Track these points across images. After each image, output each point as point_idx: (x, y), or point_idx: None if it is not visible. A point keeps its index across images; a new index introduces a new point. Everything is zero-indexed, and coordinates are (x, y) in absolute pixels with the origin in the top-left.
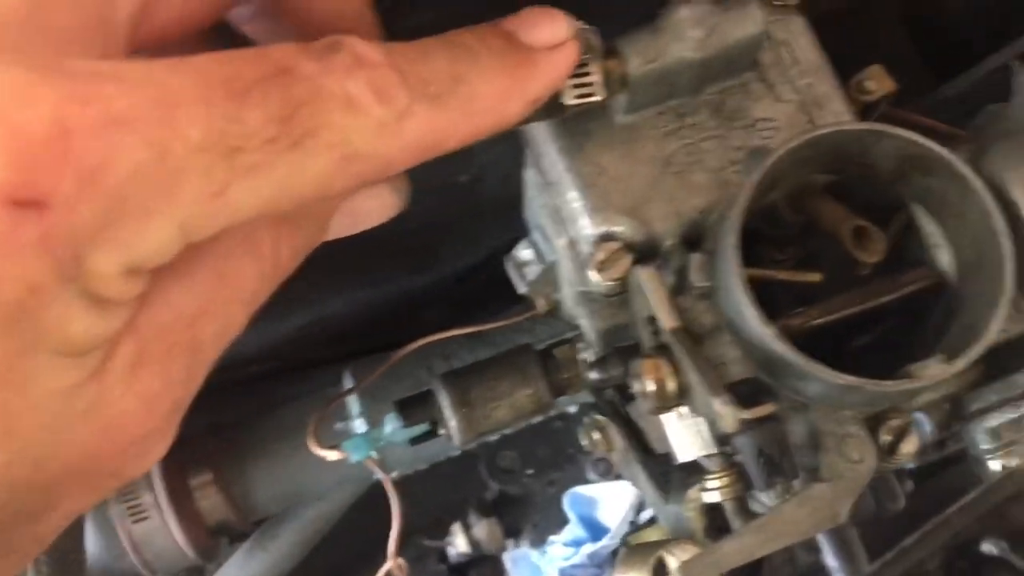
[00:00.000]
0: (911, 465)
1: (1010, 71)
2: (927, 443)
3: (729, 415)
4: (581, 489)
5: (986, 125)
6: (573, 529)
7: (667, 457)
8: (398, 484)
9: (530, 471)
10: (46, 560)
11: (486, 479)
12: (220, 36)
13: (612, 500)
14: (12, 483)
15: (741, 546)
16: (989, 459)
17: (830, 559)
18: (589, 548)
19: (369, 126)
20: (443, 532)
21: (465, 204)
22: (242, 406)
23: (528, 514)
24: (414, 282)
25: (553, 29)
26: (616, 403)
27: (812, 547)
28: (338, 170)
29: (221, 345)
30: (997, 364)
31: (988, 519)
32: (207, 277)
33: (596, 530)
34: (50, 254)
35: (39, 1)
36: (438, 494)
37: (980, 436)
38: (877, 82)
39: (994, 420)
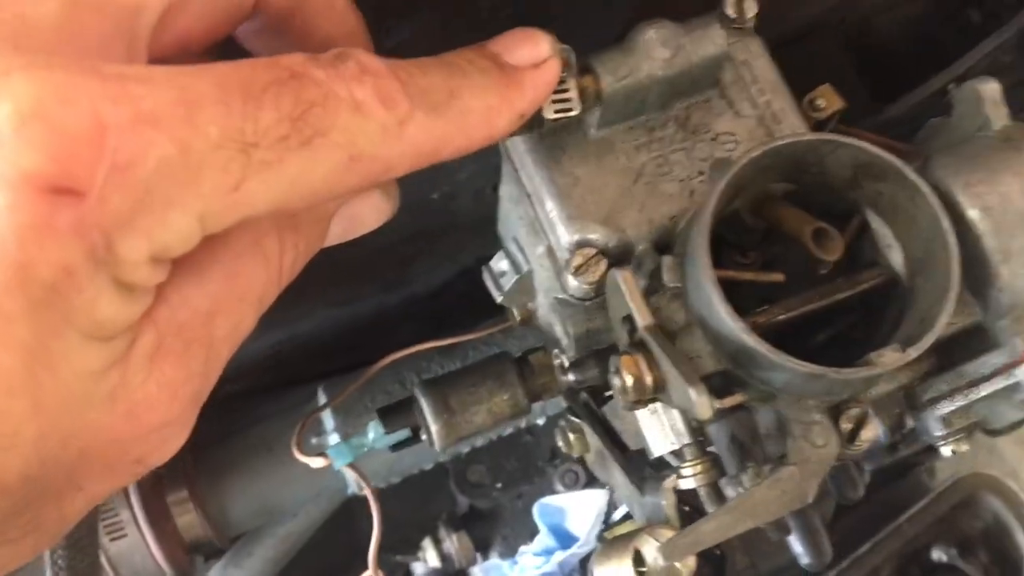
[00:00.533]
0: (868, 467)
1: (948, 92)
2: (881, 443)
3: (705, 403)
4: (550, 499)
5: (930, 137)
6: (543, 539)
7: (641, 453)
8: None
9: (499, 485)
10: (62, 554)
11: (456, 494)
12: (227, 51)
13: (580, 509)
14: (41, 457)
15: (718, 525)
16: (942, 445)
17: (797, 545)
18: (559, 556)
19: (374, 129)
20: (413, 548)
21: (438, 221)
22: (218, 425)
23: (498, 527)
24: (387, 299)
25: (535, 49)
26: (590, 405)
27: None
28: (345, 169)
29: (234, 343)
30: (947, 356)
31: (938, 527)
32: (219, 278)
33: (565, 539)
34: (83, 239)
35: (71, 11)
36: (409, 511)
37: (933, 424)
38: (827, 100)
39: (945, 408)
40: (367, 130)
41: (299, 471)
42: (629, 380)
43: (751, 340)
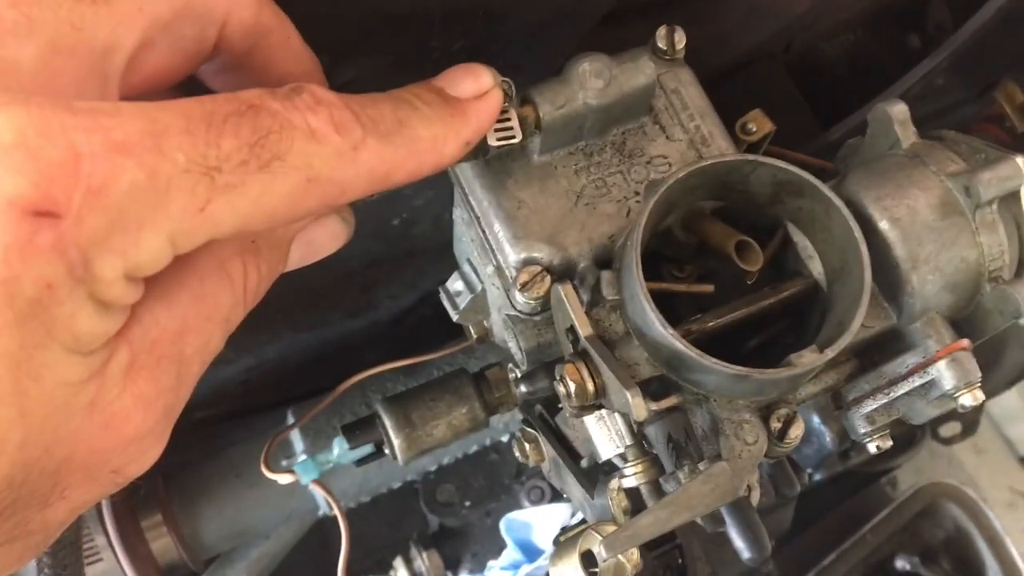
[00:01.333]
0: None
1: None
2: (828, 450)
3: (640, 405)
4: (516, 514)
5: (847, 156)
6: (510, 553)
7: (591, 459)
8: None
9: (468, 503)
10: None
11: (426, 514)
12: (192, 89)
13: (546, 523)
14: (26, 462)
15: (655, 519)
16: (867, 442)
17: (737, 540)
18: (527, 569)
19: (329, 153)
20: (385, 568)
21: (399, 246)
22: (190, 451)
23: (467, 544)
24: (353, 325)
25: (477, 81)
26: (544, 416)
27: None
28: (303, 191)
29: (204, 360)
30: (868, 358)
31: (901, 536)
32: (187, 300)
33: (532, 552)
34: (63, 257)
35: (49, 55)
36: (381, 531)
37: (858, 422)
38: (757, 123)
39: (868, 407)
40: (322, 154)
41: (269, 493)
42: (572, 387)
43: (680, 345)
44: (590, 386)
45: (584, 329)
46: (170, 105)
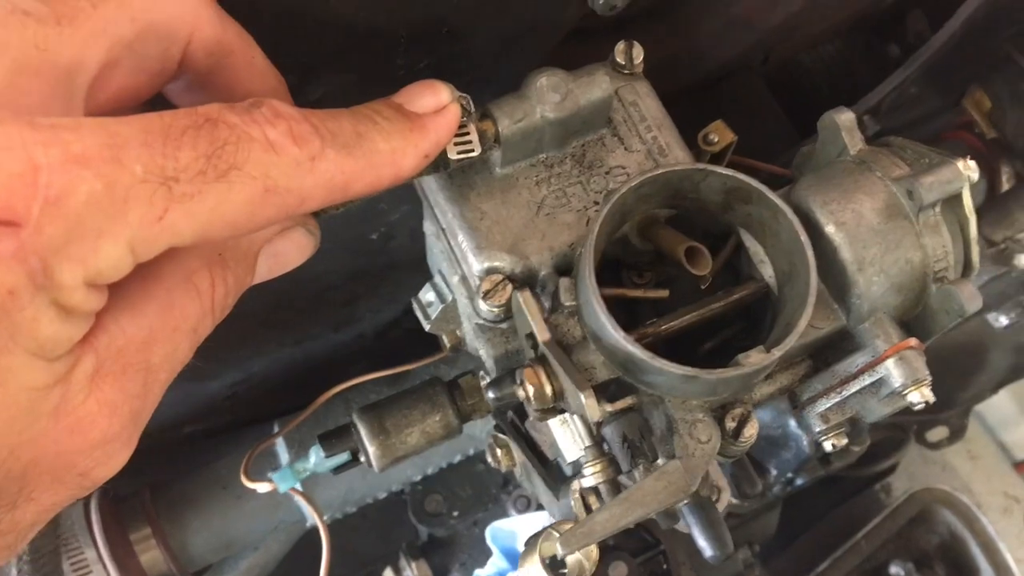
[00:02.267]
0: (803, 480)
1: (862, 124)
2: (806, 454)
3: (594, 406)
4: (501, 523)
5: (801, 163)
6: (496, 561)
7: (558, 462)
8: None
9: (455, 513)
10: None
11: (415, 524)
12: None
13: (530, 531)
14: None
15: (609, 516)
16: (823, 440)
17: (699, 539)
18: None
19: (287, 163)
20: None
21: (378, 260)
22: (178, 466)
23: (456, 554)
24: (338, 338)
25: (436, 97)
26: (515, 422)
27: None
28: (261, 200)
29: (172, 369)
30: (822, 359)
31: (895, 542)
32: (154, 310)
33: (517, 560)
34: (23, 264)
35: (14, 75)
36: (371, 543)
37: (813, 421)
38: (719, 135)
39: (822, 406)
40: (280, 164)
41: (255, 504)
42: (531, 390)
43: (632, 347)
44: (548, 389)
45: (542, 334)
46: (130, 119)
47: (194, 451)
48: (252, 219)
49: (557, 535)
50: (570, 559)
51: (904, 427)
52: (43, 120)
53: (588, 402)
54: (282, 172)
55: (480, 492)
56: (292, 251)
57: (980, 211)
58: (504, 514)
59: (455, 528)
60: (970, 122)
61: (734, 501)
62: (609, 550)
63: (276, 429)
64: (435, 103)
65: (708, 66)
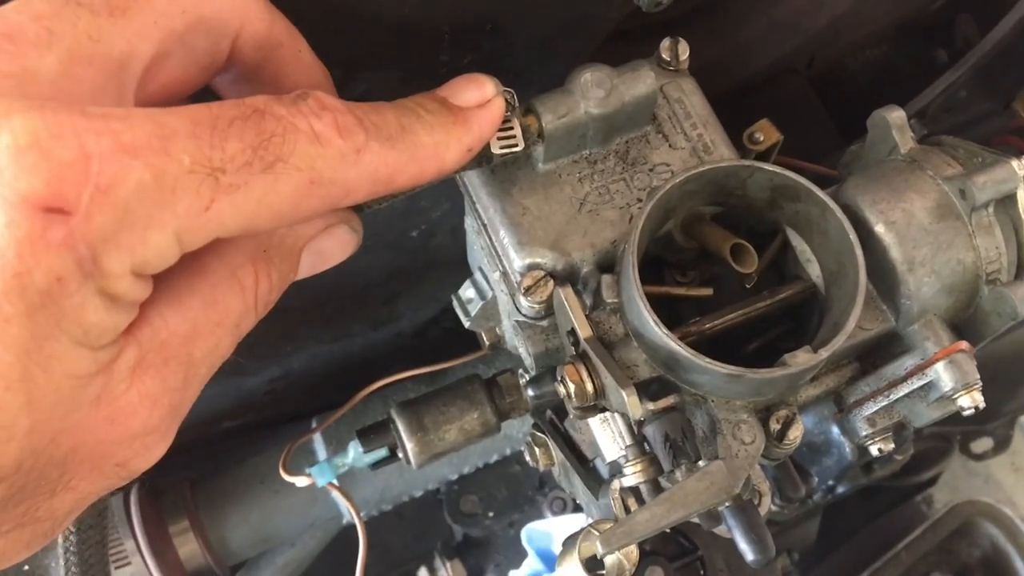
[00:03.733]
0: (845, 487)
1: (910, 128)
2: (848, 460)
3: (636, 404)
4: (536, 524)
5: (850, 162)
6: (531, 563)
7: (596, 462)
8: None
9: (491, 514)
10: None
11: (450, 524)
12: (206, 100)
13: (566, 532)
14: (34, 449)
15: (651, 516)
16: (869, 444)
17: (741, 542)
18: None
19: (332, 155)
20: None
21: (419, 258)
22: (219, 460)
23: (491, 555)
24: (377, 336)
25: (480, 91)
26: (555, 421)
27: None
28: (306, 192)
29: (212, 363)
30: (870, 361)
31: (936, 555)
32: (198, 304)
33: (552, 562)
34: (72, 252)
35: (68, 65)
36: (405, 543)
37: (859, 425)
38: (764, 133)
39: (868, 409)
40: (326, 156)
41: (293, 500)
42: (572, 387)
43: (675, 345)
44: (589, 387)
45: (583, 331)
46: (178, 110)
47: (234, 446)
48: (297, 211)
49: (597, 534)
50: (609, 559)
51: (948, 437)
52: (95, 110)
53: (630, 399)
54: (327, 164)
55: (516, 493)
56: (335, 248)
57: None
58: (540, 516)
59: (490, 529)
60: (1021, 127)
61: (773, 508)
62: (645, 555)
63: (314, 423)
64: (479, 97)
65: (752, 68)
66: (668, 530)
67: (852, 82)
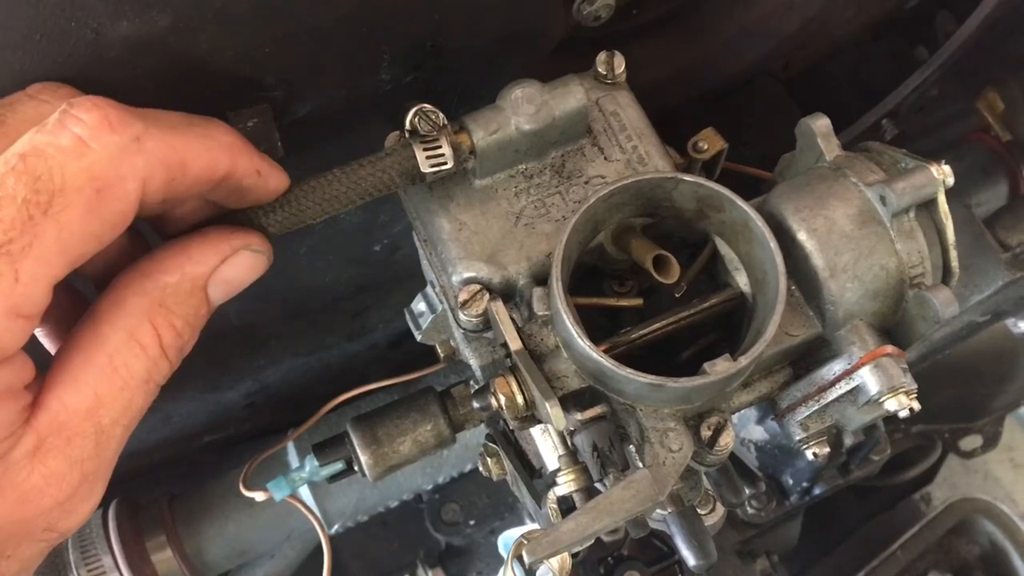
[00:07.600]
0: (821, 489)
1: (881, 128)
2: (819, 463)
3: (559, 416)
4: (513, 531)
5: (783, 169)
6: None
7: (543, 472)
8: (349, 541)
9: (472, 522)
10: None
11: (433, 533)
12: None
13: None
14: None
15: (576, 524)
16: (804, 448)
17: (683, 548)
18: None
19: (110, 152)
20: None
21: (385, 271)
22: (201, 474)
23: (472, 563)
24: (352, 348)
25: None
26: (506, 431)
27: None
28: (99, 203)
29: (128, 422)
30: (802, 367)
31: (934, 553)
32: (97, 377)
33: None
34: None
35: None
36: (388, 551)
37: (793, 429)
38: (708, 142)
39: (801, 414)
40: (103, 157)
41: (269, 513)
42: (503, 399)
43: (597, 356)
44: (519, 399)
45: (513, 343)
46: None
47: (216, 460)
48: (104, 222)
49: (526, 543)
50: (540, 568)
51: (933, 435)
52: None
53: (554, 411)
54: (108, 164)
55: (497, 501)
56: (242, 272)
57: (995, 215)
58: (521, 523)
59: (472, 537)
60: (988, 126)
61: (751, 511)
62: (623, 559)
63: (289, 432)
64: None
65: (725, 73)
66: (646, 534)
67: (831, 84)
